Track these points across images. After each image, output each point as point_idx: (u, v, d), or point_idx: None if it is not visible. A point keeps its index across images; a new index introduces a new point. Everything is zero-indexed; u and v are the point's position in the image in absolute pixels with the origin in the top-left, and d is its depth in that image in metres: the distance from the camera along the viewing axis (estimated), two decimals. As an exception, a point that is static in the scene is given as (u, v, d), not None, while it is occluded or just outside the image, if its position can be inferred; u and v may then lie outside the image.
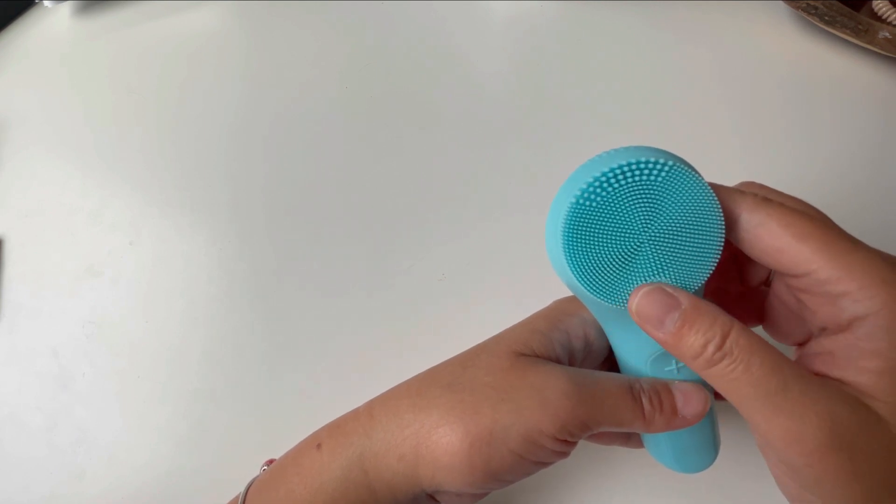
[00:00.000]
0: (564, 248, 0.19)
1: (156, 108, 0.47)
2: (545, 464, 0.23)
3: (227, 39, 0.50)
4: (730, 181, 0.23)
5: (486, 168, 0.41)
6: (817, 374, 0.19)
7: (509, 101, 0.44)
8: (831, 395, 0.18)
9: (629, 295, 0.20)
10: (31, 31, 0.52)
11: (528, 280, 0.35)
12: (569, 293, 0.22)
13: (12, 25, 0.53)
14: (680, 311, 0.19)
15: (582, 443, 0.26)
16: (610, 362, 0.26)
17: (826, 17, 0.41)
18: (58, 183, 0.44)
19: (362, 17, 0.49)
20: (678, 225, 0.19)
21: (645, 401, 0.22)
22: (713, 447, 0.24)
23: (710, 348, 0.18)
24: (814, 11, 0.41)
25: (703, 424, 0.23)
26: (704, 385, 0.22)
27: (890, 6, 0.42)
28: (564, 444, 0.22)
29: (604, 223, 0.19)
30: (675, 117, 0.42)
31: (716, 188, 0.20)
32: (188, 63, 0.49)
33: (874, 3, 0.43)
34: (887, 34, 0.40)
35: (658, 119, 0.42)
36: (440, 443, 0.22)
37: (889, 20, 0.42)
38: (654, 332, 0.19)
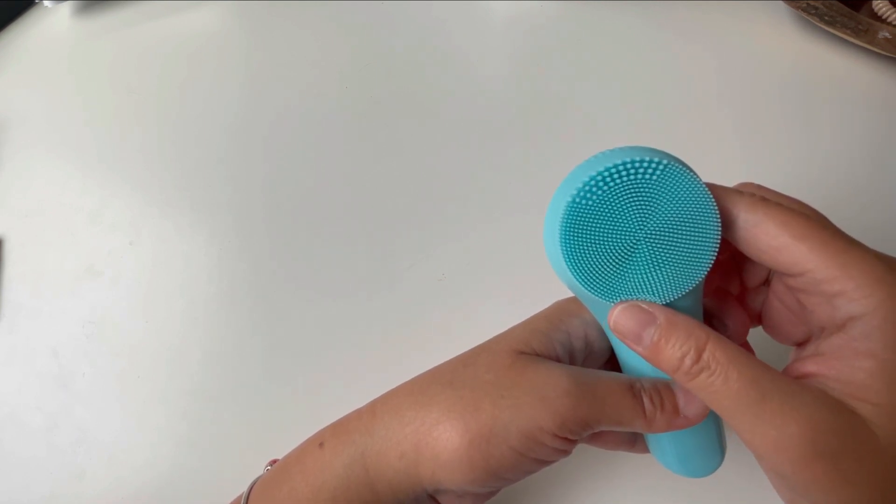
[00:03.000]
0: (562, 247, 0.19)
1: (156, 108, 0.47)
2: (546, 462, 0.23)
3: (227, 39, 0.50)
4: (730, 181, 0.23)
5: (486, 168, 0.41)
6: (807, 375, 0.19)
7: (509, 101, 0.44)
8: (813, 401, 0.18)
9: (627, 293, 0.20)
10: (31, 31, 0.52)
11: (529, 280, 0.35)
12: (570, 294, 0.22)
13: (12, 25, 0.53)
14: (656, 325, 0.19)
15: (584, 445, 0.26)
16: (612, 364, 0.26)
17: (826, 17, 0.41)
18: (58, 183, 0.44)
19: (362, 18, 0.49)
20: (674, 223, 0.19)
21: (646, 399, 0.22)
22: (719, 451, 0.24)
23: (687, 361, 0.18)
24: (814, 11, 0.41)
25: (707, 426, 0.23)
26: None
27: (890, 6, 0.42)
28: (565, 441, 0.22)
29: (600, 222, 0.19)
30: (675, 117, 0.42)
31: (714, 188, 0.20)
32: (188, 63, 0.49)
33: (874, 3, 0.43)
34: (887, 34, 0.40)
35: (658, 119, 0.42)
36: (440, 439, 0.22)
37: (889, 20, 0.42)
38: (633, 347, 0.20)
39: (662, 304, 0.20)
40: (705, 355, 0.18)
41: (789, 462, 0.17)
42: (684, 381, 0.19)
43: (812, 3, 0.42)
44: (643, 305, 0.20)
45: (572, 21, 0.47)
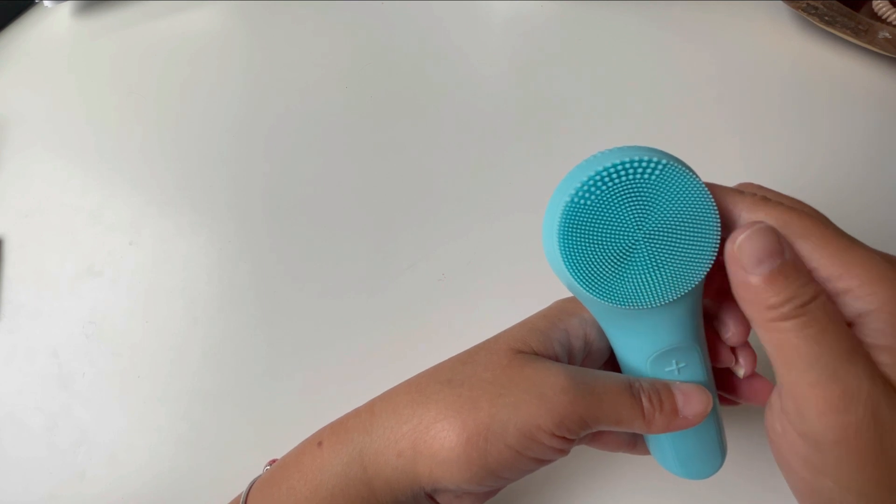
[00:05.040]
0: (560, 247, 0.19)
1: (156, 107, 0.47)
2: (544, 461, 0.23)
3: (228, 39, 0.50)
4: (730, 181, 0.23)
5: (486, 168, 0.41)
6: None
7: (509, 101, 0.44)
8: (880, 379, 0.18)
9: (626, 294, 0.20)
10: (31, 31, 0.52)
11: (529, 280, 0.35)
12: (569, 293, 0.22)
13: (12, 25, 0.53)
14: (782, 259, 0.18)
15: (584, 446, 0.26)
16: (611, 364, 0.26)
17: (826, 17, 0.41)
18: (58, 183, 0.44)
19: (363, 18, 0.49)
20: (673, 223, 0.19)
21: (644, 400, 0.22)
22: (719, 453, 0.24)
23: (795, 302, 0.18)
24: (814, 11, 0.41)
25: (708, 428, 0.23)
26: (707, 386, 0.22)
27: (890, 6, 0.42)
28: (563, 440, 0.22)
29: (599, 222, 0.19)
30: (675, 117, 0.42)
31: (714, 188, 0.20)
32: (188, 63, 0.49)
33: (874, 3, 0.43)
34: (887, 34, 0.40)
35: (658, 119, 0.42)
36: (438, 438, 0.22)
37: (889, 20, 0.42)
38: (742, 272, 0.19)
39: (662, 305, 0.20)
40: (813, 304, 0.18)
41: (842, 427, 0.17)
42: (775, 319, 0.18)
43: (812, 3, 0.42)
44: (781, 235, 0.19)
45: (572, 21, 0.47)
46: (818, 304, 0.18)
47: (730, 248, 0.19)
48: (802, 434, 0.19)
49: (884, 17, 0.42)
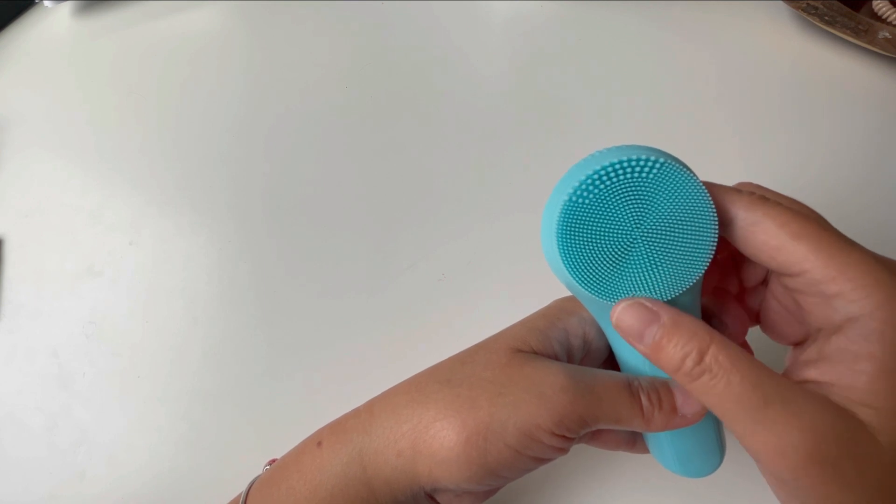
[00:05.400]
0: (559, 245, 0.19)
1: (156, 108, 0.47)
2: (543, 460, 0.23)
3: (228, 40, 0.50)
4: (730, 180, 0.23)
5: (486, 168, 0.41)
6: (808, 381, 0.19)
7: (509, 101, 0.44)
8: (815, 407, 0.18)
9: (624, 292, 0.20)
10: (31, 31, 0.53)
11: (529, 280, 0.35)
12: (569, 293, 0.22)
13: (12, 25, 0.53)
14: (659, 324, 0.19)
15: (584, 445, 0.26)
16: (610, 363, 0.26)
17: (826, 17, 0.41)
18: (58, 183, 0.44)
19: (363, 18, 0.49)
20: (670, 221, 0.19)
21: (643, 398, 0.22)
22: (718, 451, 0.24)
23: (689, 362, 0.18)
24: (814, 11, 0.41)
25: (706, 426, 0.23)
26: None
27: (890, 6, 0.42)
28: (562, 439, 0.22)
29: (597, 220, 0.19)
30: (675, 117, 0.42)
31: (712, 187, 0.20)
32: (188, 63, 0.49)
33: (874, 3, 0.43)
34: (887, 34, 0.40)
35: (658, 119, 0.42)
36: (437, 437, 0.22)
37: (889, 20, 0.42)
38: (635, 345, 0.20)
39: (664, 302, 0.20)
40: (707, 358, 0.18)
41: (789, 468, 0.17)
42: (685, 383, 0.19)
43: (812, 3, 0.42)
44: (647, 303, 0.20)
45: (572, 21, 0.47)
46: (713, 355, 0.18)
47: (614, 323, 0.20)
48: (765, 473, 0.19)
49: (884, 17, 0.42)
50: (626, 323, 0.20)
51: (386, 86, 0.46)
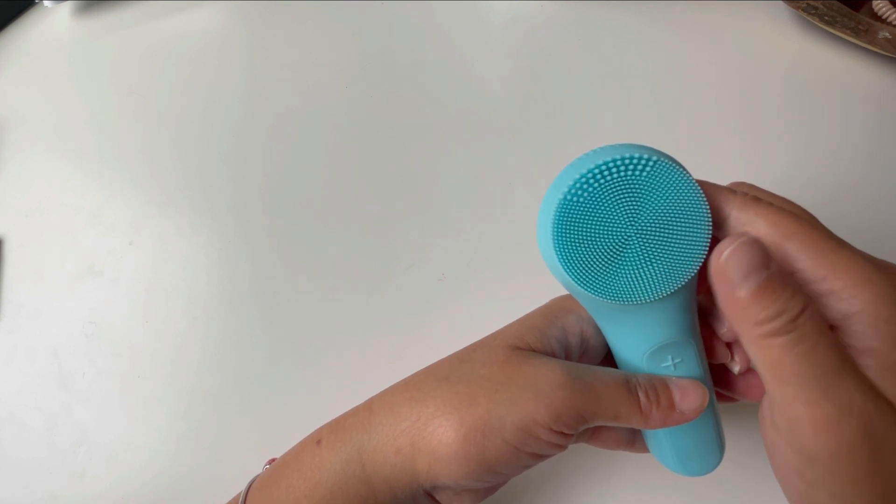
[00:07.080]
0: (554, 244, 0.19)
1: (156, 108, 0.47)
2: (542, 456, 0.23)
3: (228, 39, 0.50)
4: (729, 180, 0.23)
5: (486, 168, 0.41)
6: None
7: (509, 101, 0.44)
8: (870, 391, 0.18)
9: (619, 289, 0.20)
10: (31, 31, 0.53)
11: (528, 279, 0.35)
12: (566, 291, 0.22)
13: (12, 25, 0.53)
14: (768, 272, 0.18)
15: (583, 445, 0.26)
16: (608, 361, 0.26)
17: (826, 17, 0.41)
18: (58, 183, 0.44)
19: (363, 18, 0.49)
20: (664, 219, 0.19)
21: (641, 394, 0.22)
22: (717, 449, 0.24)
23: (785, 317, 0.17)
24: (814, 11, 0.41)
25: (705, 424, 0.23)
26: (703, 382, 0.23)
27: (890, 6, 0.42)
28: (560, 435, 0.22)
29: (591, 219, 0.19)
30: (675, 116, 0.42)
31: (706, 186, 0.20)
32: (189, 63, 0.49)
33: (874, 3, 0.43)
34: (887, 34, 0.40)
35: (658, 118, 0.42)
36: (436, 434, 0.22)
37: (889, 20, 0.42)
38: (728, 287, 0.18)
39: (656, 300, 0.20)
40: (803, 317, 0.18)
41: (834, 444, 0.17)
42: (762, 336, 0.18)
43: (812, 3, 0.42)
44: (765, 247, 0.18)
45: (572, 21, 0.47)
46: (807, 317, 0.18)
47: (716, 261, 0.18)
48: (796, 449, 0.19)
49: (884, 17, 0.42)
50: (741, 258, 0.18)
51: (386, 86, 0.46)
